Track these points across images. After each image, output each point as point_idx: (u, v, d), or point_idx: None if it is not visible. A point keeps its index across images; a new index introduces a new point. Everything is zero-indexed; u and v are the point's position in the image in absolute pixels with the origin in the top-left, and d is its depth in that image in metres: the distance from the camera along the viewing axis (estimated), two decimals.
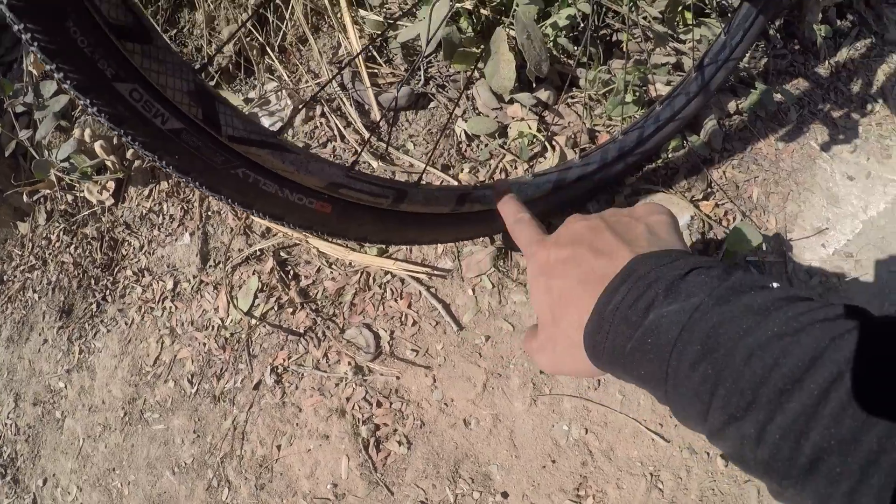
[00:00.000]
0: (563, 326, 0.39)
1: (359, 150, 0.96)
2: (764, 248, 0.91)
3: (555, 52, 1.00)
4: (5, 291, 1.30)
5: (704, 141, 0.99)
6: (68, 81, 0.40)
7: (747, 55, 1.11)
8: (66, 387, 1.16)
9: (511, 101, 0.96)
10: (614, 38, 1.05)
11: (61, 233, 1.22)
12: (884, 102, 1.13)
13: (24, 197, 1.22)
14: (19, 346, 1.26)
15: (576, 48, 1.00)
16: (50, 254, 1.24)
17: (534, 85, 0.97)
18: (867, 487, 0.23)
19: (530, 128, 0.93)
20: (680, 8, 1.03)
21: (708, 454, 0.83)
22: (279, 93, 1.02)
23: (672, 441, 0.83)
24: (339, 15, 1.03)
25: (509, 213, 0.56)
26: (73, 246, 1.21)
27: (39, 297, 1.24)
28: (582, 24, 1.03)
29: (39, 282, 1.25)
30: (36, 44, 0.38)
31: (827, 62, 1.16)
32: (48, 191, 1.23)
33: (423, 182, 0.73)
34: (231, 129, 0.49)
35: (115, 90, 0.42)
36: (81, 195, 1.19)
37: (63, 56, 0.40)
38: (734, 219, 0.93)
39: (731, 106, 1.04)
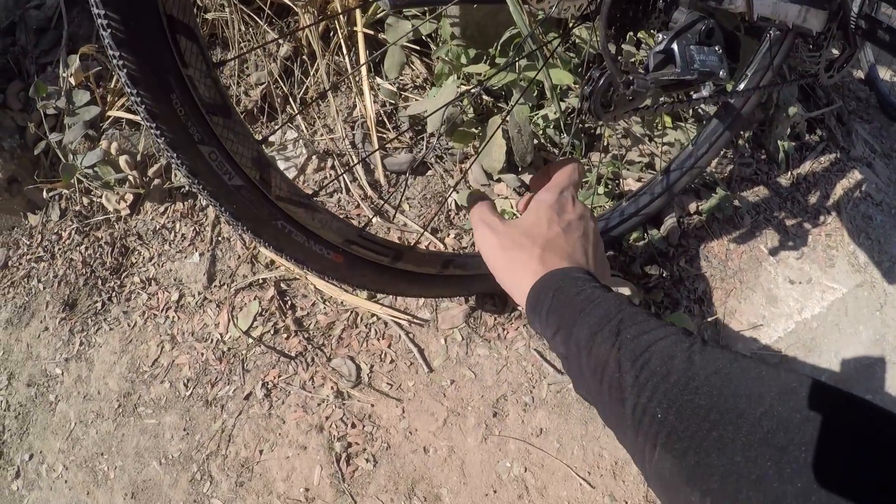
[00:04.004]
0: (539, 247, 0.58)
1: (366, 210, 1.11)
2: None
3: (542, 140, 1.16)
4: (9, 276, 1.39)
5: (663, 236, 1.14)
6: (162, 138, 0.50)
7: (713, 163, 1.23)
8: (62, 373, 1.27)
9: (499, 180, 1.13)
10: (597, 132, 1.22)
11: (73, 232, 1.33)
12: (837, 215, 1.22)
13: (44, 193, 1.33)
14: (18, 328, 1.35)
15: (562, 135, 1.17)
16: (59, 249, 1.34)
17: (520, 168, 1.14)
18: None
19: (511, 206, 1.10)
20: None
21: (626, 502, 1.01)
22: (296, 142, 1.16)
23: (597, 487, 1.00)
24: (357, 79, 1.18)
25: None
26: (83, 246, 1.31)
27: (44, 288, 1.34)
28: (569, 118, 1.20)
29: (45, 273, 1.35)
30: (143, 106, 0.48)
31: (790, 173, 1.27)
32: (66, 191, 1.33)
33: (418, 246, 0.88)
34: (278, 189, 0.61)
35: (198, 150, 0.53)
36: (98, 200, 1.30)
37: (163, 119, 0.49)
38: (677, 307, 1.11)
39: (692, 206, 1.18)
